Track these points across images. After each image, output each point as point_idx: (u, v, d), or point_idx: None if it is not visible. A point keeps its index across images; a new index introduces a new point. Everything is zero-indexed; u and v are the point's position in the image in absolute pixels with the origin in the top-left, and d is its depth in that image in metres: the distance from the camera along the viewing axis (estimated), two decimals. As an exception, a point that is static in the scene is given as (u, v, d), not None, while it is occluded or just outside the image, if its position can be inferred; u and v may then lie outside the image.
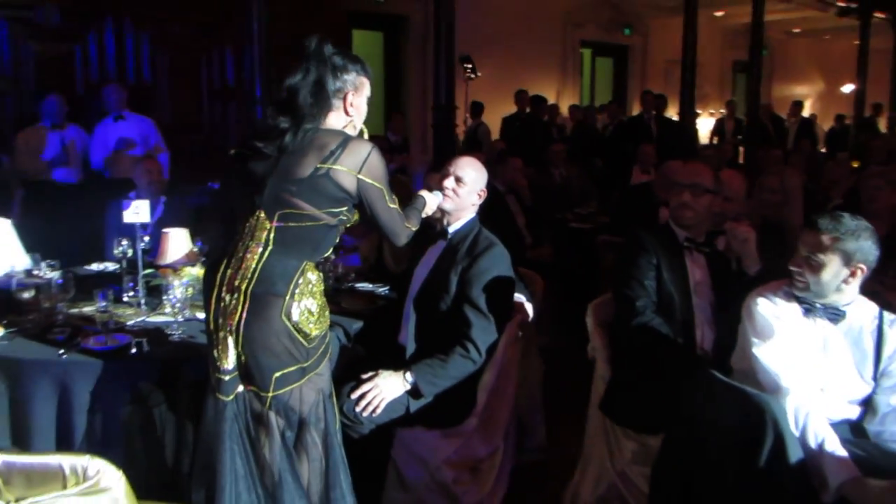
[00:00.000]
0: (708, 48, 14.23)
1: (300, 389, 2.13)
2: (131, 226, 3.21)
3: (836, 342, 2.23)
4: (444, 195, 2.77)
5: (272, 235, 2.10)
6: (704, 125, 13.49)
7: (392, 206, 2.25)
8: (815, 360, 2.20)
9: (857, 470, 1.94)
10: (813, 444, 1.99)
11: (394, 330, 2.95)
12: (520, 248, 5.29)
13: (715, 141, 11.72)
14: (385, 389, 2.62)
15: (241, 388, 2.14)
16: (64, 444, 2.43)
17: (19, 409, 2.49)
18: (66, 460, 1.62)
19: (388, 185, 2.23)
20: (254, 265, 2.08)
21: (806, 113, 13.78)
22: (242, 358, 2.09)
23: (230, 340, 2.09)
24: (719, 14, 13.62)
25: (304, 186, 2.09)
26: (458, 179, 2.80)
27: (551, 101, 10.95)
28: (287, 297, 2.06)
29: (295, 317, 2.07)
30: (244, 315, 2.06)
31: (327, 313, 2.20)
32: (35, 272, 3.17)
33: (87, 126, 6.14)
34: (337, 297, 3.33)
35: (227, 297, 2.09)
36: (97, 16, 6.48)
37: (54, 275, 3.09)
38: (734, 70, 15.19)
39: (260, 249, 2.10)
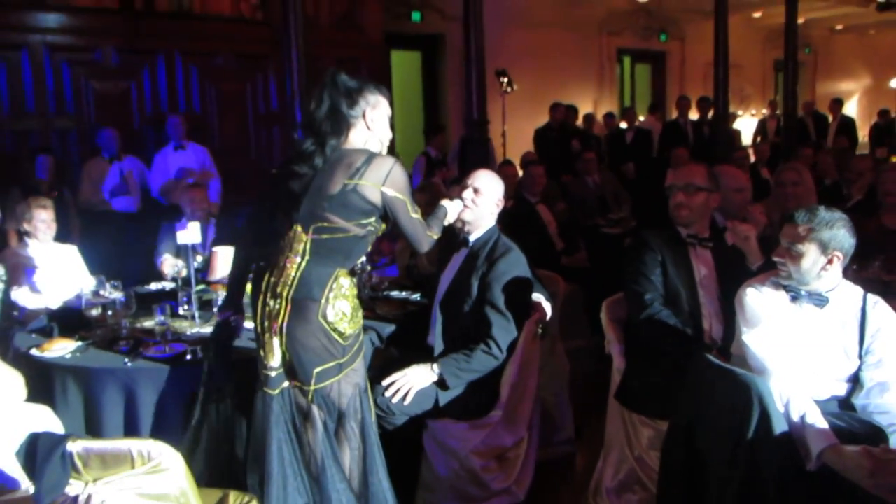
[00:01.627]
0: (748, 49, 14.21)
1: (339, 384, 2.40)
2: (185, 246, 3.54)
3: (822, 325, 2.39)
4: (464, 206, 3.01)
5: (308, 247, 2.38)
6: (748, 125, 13.47)
7: (414, 215, 2.49)
8: (802, 343, 2.37)
9: (835, 438, 2.11)
10: (796, 417, 2.17)
11: (424, 332, 3.21)
12: (552, 255, 5.49)
13: (758, 140, 11.70)
14: (414, 379, 2.87)
15: (286, 383, 2.41)
16: (131, 436, 2.73)
17: (92, 411, 2.82)
18: (134, 444, 1.92)
19: (410, 196, 2.48)
20: (293, 273, 2.36)
21: (853, 109, 13.63)
22: (286, 356, 2.37)
23: (275, 341, 2.36)
24: (757, 15, 13.60)
25: (334, 202, 2.37)
26: (475, 190, 3.04)
27: (589, 110, 11.14)
28: (323, 301, 2.33)
29: (330, 317, 2.33)
30: (286, 318, 2.34)
31: (360, 314, 2.46)
32: (101, 292, 3.50)
33: (143, 156, 6.60)
34: (372, 304, 3.61)
35: (272, 303, 2.37)
36: (150, 53, 6.96)
37: (118, 294, 3.43)
38: (776, 69, 15.08)
39: (298, 259, 2.37)
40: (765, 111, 13.44)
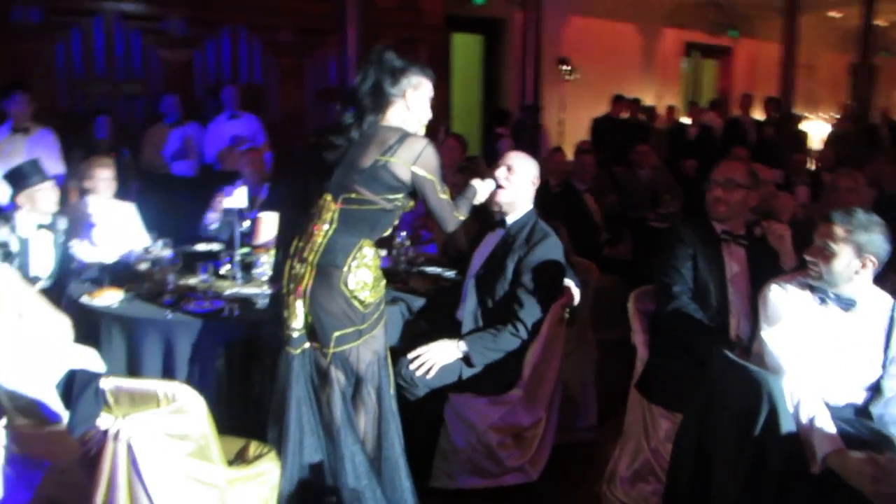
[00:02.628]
0: (821, 50, 13.78)
1: (357, 349, 2.49)
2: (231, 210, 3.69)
3: (847, 330, 2.38)
4: (497, 185, 3.07)
5: (336, 216, 2.48)
6: (818, 129, 13.09)
7: (443, 196, 2.57)
8: (824, 346, 2.37)
9: (841, 443, 2.11)
10: (805, 419, 2.17)
11: (454, 307, 3.29)
12: (595, 244, 5.51)
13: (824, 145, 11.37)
14: (438, 354, 2.96)
15: (307, 344, 2.52)
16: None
17: (134, 357, 2.99)
18: (160, 386, 2.06)
19: (440, 177, 2.55)
20: (320, 240, 2.47)
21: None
22: (308, 318, 2.48)
23: (298, 303, 2.47)
24: (834, 14, 13.16)
25: (365, 175, 2.46)
26: (509, 168, 3.09)
27: (651, 103, 10.99)
28: (345, 269, 2.43)
29: (351, 285, 2.43)
30: (311, 282, 2.45)
31: (382, 284, 2.55)
32: (152, 249, 3.68)
33: (204, 124, 6.80)
34: (407, 277, 3.70)
35: (298, 266, 2.48)
36: (215, 25, 7.17)
37: (167, 252, 3.60)
38: (850, 73, 14.58)
39: (326, 227, 2.48)
40: (835, 115, 13.03)
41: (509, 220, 3.14)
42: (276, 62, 7.48)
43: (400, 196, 2.52)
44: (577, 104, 10.37)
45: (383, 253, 4.02)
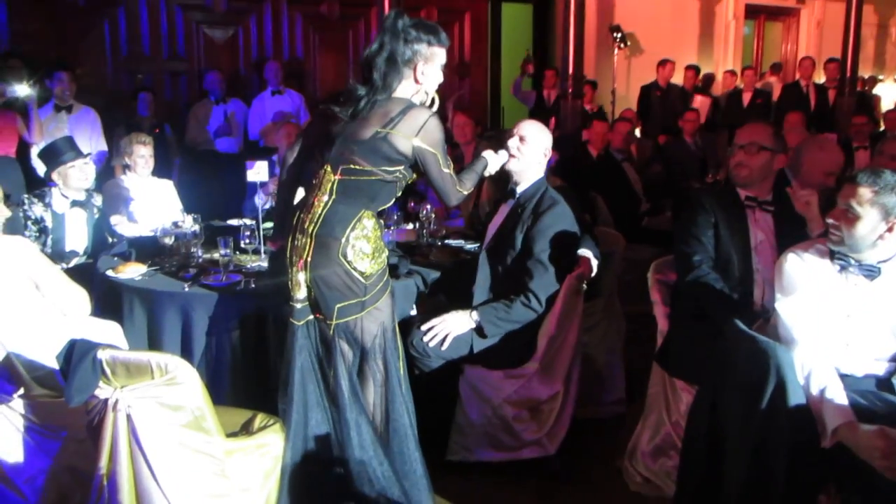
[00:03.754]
0: (896, 9, 13.05)
1: (361, 321, 2.48)
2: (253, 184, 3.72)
3: (870, 299, 2.25)
4: (509, 155, 3.00)
5: (335, 187, 2.46)
6: (891, 91, 12.42)
7: (445, 170, 2.52)
8: (844, 316, 2.24)
9: (852, 416, 2.00)
10: (815, 391, 2.07)
11: (472, 280, 3.24)
12: (635, 215, 5.38)
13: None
14: (452, 324, 2.94)
15: (311, 316, 2.52)
16: (186, 356, 2.94)
17: (154, 329, 3.06)
18: (154, 357, 2.08)
19: (443, 151, 2.50)
20: (319, 211, 2.45)
21: None
22: (311, 290, 2.48)
23: (301, 275, 2.47)
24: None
25: (364, 147, 2.43)
26: (521, 138, 3.02)
27: (711, 70, 10.61)
28: (343, 240, 2.41)
29: (349, 256, 2.41)
30: (311, 254, 2.44)
31: (383, 255, 2.52)
32: (180, 224, 3.75)
33: (247, 100, 6.90)
34: (429, 250, 3.68)
35: (300, 238, 2.48)
36: (258, 1, 7.22)
37: (194, 226, 3.66)
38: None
39: (325, 198, 2.46)
40: (911, 77, 12.35)
41: (519, 189, 3.08)
42: (318, 37, 7.52)
43: (400, 168, 2.48)
44: (633, 74, 10.11)
45: (409, 227, 4.03)
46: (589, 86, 8.36)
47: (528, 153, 3.02)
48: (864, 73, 10.21)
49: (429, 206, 3.96)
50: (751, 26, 12.26)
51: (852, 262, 2.26)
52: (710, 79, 10.07)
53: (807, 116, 7.23)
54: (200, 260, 3.48)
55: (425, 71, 2.51)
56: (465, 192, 2.65)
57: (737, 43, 11.59)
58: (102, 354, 2.06)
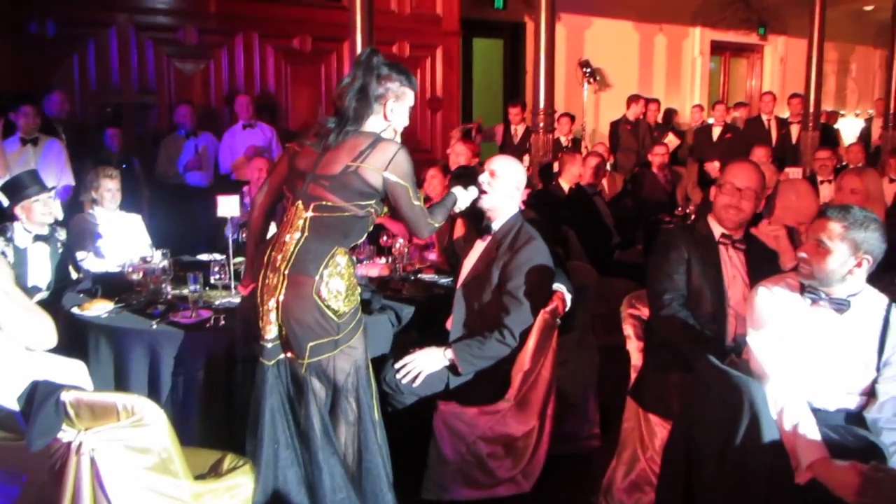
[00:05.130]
0: (858, 45, 13.46)
1: (334, 360, 2.47)
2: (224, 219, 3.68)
3: (840, 332, 2.27)
4: (480, 191, 3.01)
5: (307, 223, 2.45)
6: (852, 126, 12.75)
7: (416, 202, 2.53)
8: (815, 350, 2.26)
9: (826, 451, 2.01)
10: (788, 426, 2.08)
11: (446, 316, 3.23)
12: (606, 248, 5.42)
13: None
14: (424, 362, 2.91)
15: (282, 355, 2.49)
16: (153, 398, 2.88)
17: (121, 369, 2.99)
18: (119, 398, 2.03)
19: (413, 183, 2.52)
20: (292, 248, 2.44)
21: None
22: (282, 329, 2.45)
23: (272, 314, 2.45)
24: (869, 8, 12.83)
25: (335, 182, 2.43)
26: (491, 173, 3.03)
27: (679, 104, 10.84)
28: (317, 278, 2.39)
29: (324, 294, 2.40)
30: (283, 292, 2.42)
31: (357, 293, 2.52)
32: (148, 259, 3.70)
33: (218, 134, 6.86)
34: (402, 285, 3.66)
35: (271, 276, 2.45)
36: (229, 34, 7.23)
37: (162, 261, 3.60)
38: (885, 68, 14.18)
39: (297, 235, 2.45)
40: (871, 111, 12.67)
41: (494, 226, 3.09)
42: (290, 70, 7.53)
43: (372, 202, 2.49)
44: (603, 109, 10.28)
45: (382, 261, 4.01)
46: (567, 117, 8.48)
47: (500, 188, 3.03)
48: (827, 107, 10.47)
49: (401, 240, 3.95)
50: (717, 62, 12.56)
51: (822, 295, 2.29)
52: (671, 113, 10.28)
53: (771, 150, 7.38)
54: (169, 296, 3.43)
55: (395, 109, 2.55)
56: (437, 225, 2.67)
57: (703, 78, 11.86)
58: (66, 396, 2.01)
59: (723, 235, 2.92)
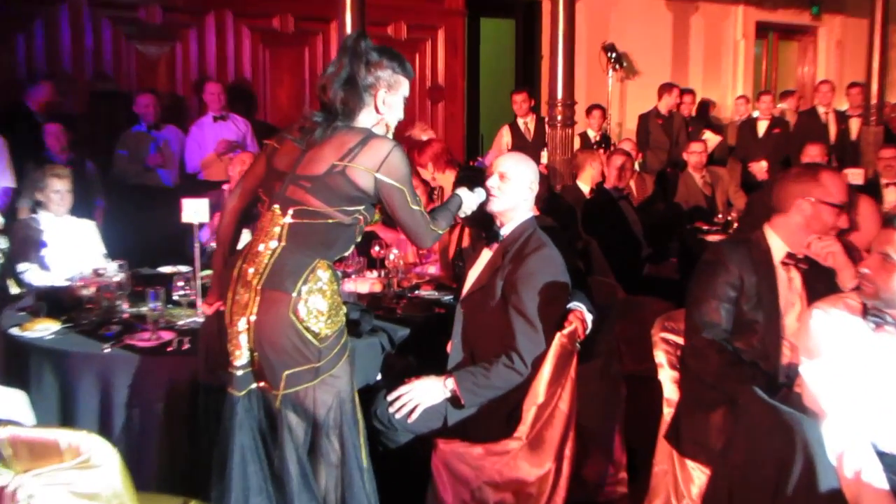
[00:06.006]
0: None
1: (314, 390, 2.44)
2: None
3: (909, 361, 2.25)
4: (489, 195, 3.00)
5: (285, 231, 2.43)
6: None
7: (415, 207, 2.53)
8: (878, 381, 2.24)
9: (893, 501, 1.99)
10: (850, 473, 2.05)
11: (447, 339, 3.21)
12: (634, 261, 5.40)
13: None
14: (422, 394, 2.89)
15: (254, 385, 2.47)
16: (105, 433, 2.86)
17: (67, 399, 2.98)
18: (64, 435, 2.00)
19: (410, 185, 2.52)
20: (266, 260, 2.42)
21: None
22: (254, 354, 2.43)
23: (242, 337, 2.43)
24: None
25: (318, 183, 2.43)
26: (501, 175, 3.02)
27: (719, 95, 10.83)
28: (295, 295, 2.37)
29: (302, 314, 2.38)
30: (256, 311, 2.40)
31: (342, 312, 2.50)
32: (101, 271, 3.68)
33: (185, 127, 6.90)
34: (397, 303, 3.66)
35: (242, 292, 2.44)
36: (198, 13, 7.26)
37: (118, 275, 3.59)
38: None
39: (273, 245, 2.44)
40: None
41: (504, 231, 3.08)
42: (269, 54, 7.56)
43: (360, 208, 2.48)
44: (631, 100, 10.28)
45: (373, 276, 3.99)
46: (599, 110, 8.49)
47: (511, 191, 3.02)
48: (892, 98, 10.45)
49: (395, 251, 3.94)
50: (762, 46, 12.57)
51: (889, 318, 2.26)
52: (709, 105, 10.27)
53: (827, 148, 7.37)
54: (125, 315, 3.42)
55: (387, 100, 2.56)
56: (440, 232, 2.68)
57: (747, 65, 11.87)
58: (1, 432, 1.99)
59: (788, 255, 2.85)
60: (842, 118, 8.77)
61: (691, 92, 9.36)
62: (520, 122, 8.13)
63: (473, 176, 3.23)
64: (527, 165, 3.09)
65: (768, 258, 2.87)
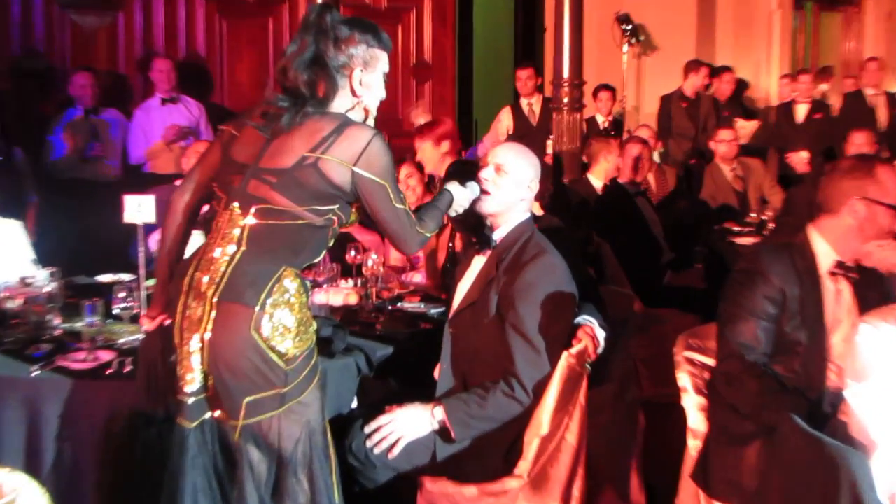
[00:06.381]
0: None
1: (278, 420, 2.44)
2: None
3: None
4: (482, 190, 3.00)
5: (245, 234, 2.43)
6: None
7: (399, 206, 2.54)
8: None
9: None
10: (904, 514, 2.07)
11: (433, 360, 3.22)
12: (654, 268, 5.41)
13: None
14: (405, 425, 2.89)
15: (208, 414, 2.47)
16: (32, 471, 2.84)
17: (-13, 431, 2.95)
18: (-16, 473, 1.99)
19: (393, 181, 2.52)
20: (223, 268, 2.41)
21: None
22: (209, 379, 2.43)
23: (195, 357, 2.42)
24: None
25: (286, 178, 2.42)
26: (497, 168, 3.02)
27: (752, 74, 10.86)
28: (257, 308, 2.37)
29: (266, 331, 2.37)
30: (210, 327, 2.39)
31: (312, 329, 2.50)
32: (29, 280, 3.66)
33: (129, 112, 6.91)
34: (376, 317, 3.66)
35: (193, 305, 2.43)
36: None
37: (48, 285, 3.58)
38: None
39: (231, 249, 2.43)
40: None
41: (497, 235, 3.08)
42: (227, 27, 7.59)
43: (334, 207, 2.49)
44: (648, 79, 10.30)
45: (348, 285, 3.99)
46: (607, 91, 8.52)
47: (508, 187, 3.03)
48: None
49: (374, 256, 3.94)
50: (799, 18, 12.64)
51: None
52: (743, 86, 10.29)
53: (875, 136, 7.40)
54: (57, 332, 3.40)
55: (364, 80, 2.58)
56: (428, 235, 2.69)
57: (784, 39, 11.92)
58: None
59: (838, 264, 2.84)
60: (892, 101, 8.81)
61: (729, 70, 9.35)
62: (523, 102, 8.13)
63: (465, 169, 3.24)
64: (527, 159, 3.10)
65: (813, 267, 2.86)
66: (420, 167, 4.83)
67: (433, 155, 4.63)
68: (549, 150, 6.73)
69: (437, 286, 4.26)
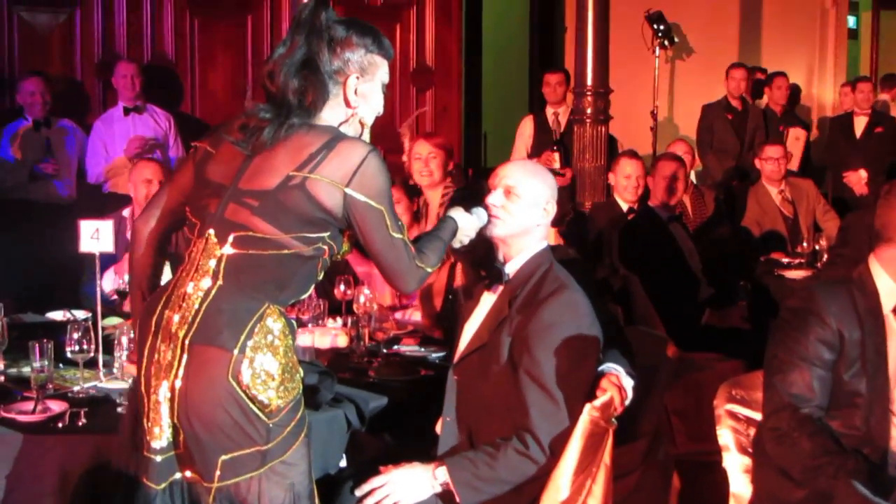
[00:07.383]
0: None
1: (258, 482, 2.44)
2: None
3: None
4: (490, 216, 3.02)
5: (222, 266, 2.44)
6: None
7: (396, 235, 2.54)
8: None
9: None
10: None
11: (434, 412, 3.22)
12: (691, 305, 5.42)
13: None
14: (403, 487, 2.88)
15: (178, 474, 2.48)
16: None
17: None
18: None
19: (390, 205, 2.53)
20: (196, 305, 2.43)
21: None
22: (179, 433, 2.43)
23: (163, 408, 2.43)
24: None
25: (268, 201, 2.43)
26: (507, 191, 3.04)
27: (803, 80, 10.92)
28: (236, 352, 2.38)
29: (246, 378, 2.38)
30: (182, 374, 2.40)
31: (298, 377, 2.51)
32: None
33: (86, 124, 6.96)
34: (369, 363, 3.68)
35: (163, 349, 2.44)
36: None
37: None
38: None
39: (206, 284, 2.44)
40: None
41: (509, 268, 3.08)
42: (200, 27, 7.64)
43: (325, 235, 2.49)
44: (682, 87, 10.35)
45: (337, 324, 4.00)
46: None
47: (520, 212, 3.03)
48: None
49: (367, 291, 3.95)
50: (858, 19, 12.71)
51: None
52: (796, 93, 10.33)
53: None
54: (0, 378, 3.41)
55: (360, 89, 2.59)
56: (429, 270, 2.68)
57: (838, 43, 11.97)
58: None
59: None
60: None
61: (782, 75, 9.40)
62: (549, 111, 8.14)
63: (470, 194, 3.25)
64: (540, 178, 3.12)
65: (876, 306, 2.85)
66: (409, 190, 4.85)
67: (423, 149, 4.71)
68: (556, 166, 6.74)
69: (432, 326, 4.26)
